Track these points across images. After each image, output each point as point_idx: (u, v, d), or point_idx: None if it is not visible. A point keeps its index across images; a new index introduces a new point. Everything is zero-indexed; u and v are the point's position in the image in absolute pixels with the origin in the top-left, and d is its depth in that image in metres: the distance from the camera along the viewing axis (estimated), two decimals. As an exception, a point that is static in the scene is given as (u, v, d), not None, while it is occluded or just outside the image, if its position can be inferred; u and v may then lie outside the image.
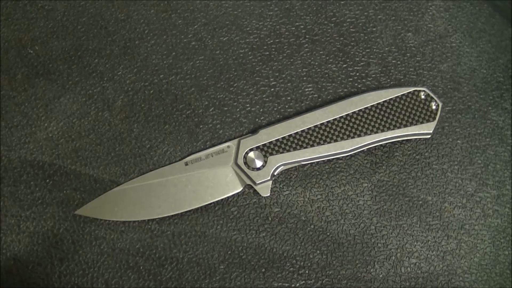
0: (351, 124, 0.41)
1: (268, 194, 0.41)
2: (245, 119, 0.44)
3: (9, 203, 0.41)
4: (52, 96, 0.44)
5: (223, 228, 0.41)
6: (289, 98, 0.45)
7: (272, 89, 0.45)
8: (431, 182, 0.43)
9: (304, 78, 0.45)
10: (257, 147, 0.41)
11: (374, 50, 0.46)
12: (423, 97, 0.42)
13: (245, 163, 0.41)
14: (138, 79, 0.45)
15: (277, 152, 0.41)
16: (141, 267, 0.40)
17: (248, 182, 0.41)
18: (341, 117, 0.41)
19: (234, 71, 0.45)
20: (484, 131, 0.45)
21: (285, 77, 0.45)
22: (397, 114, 0.42)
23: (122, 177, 0.42)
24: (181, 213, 0.41)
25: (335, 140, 0.41)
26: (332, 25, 0.47)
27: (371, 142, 0.41)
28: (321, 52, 0.46)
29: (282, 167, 0.41)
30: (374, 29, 0.47)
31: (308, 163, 0.43)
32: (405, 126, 0.42)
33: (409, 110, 0.42)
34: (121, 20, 0.46)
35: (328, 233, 0.42)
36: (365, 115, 0.41)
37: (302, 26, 0.47)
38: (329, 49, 0.46)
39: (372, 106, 0.41)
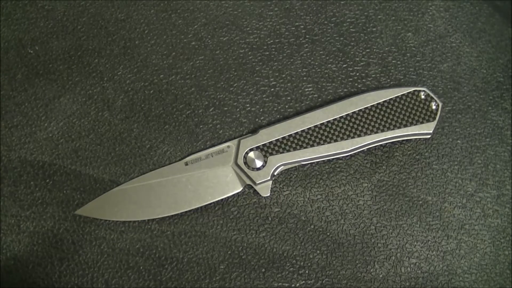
0: (351, 124, 0.41)
1: (268, 194, 0.41)
2: (245, 119, 0.44)
3: (9, 203, 0.41)
4: (52, 96, 0.44)
5: (223, 228, 0.41)
6: (289, 98, 0.45)
7: (272, 89, 0.45)
8: (431, 182, 0.43)
9: (304, 78, 0.45)
10: (257, 147, 0.41)
11: (374, 50, 0.46)
12: (423, 97, 0.42)
13: (245, 163, 0.41)
14: (138, 79, 0.45)
15: (277, 152, 0.41)
16: (141, 267, 0.40)
17: (248, 182, 0.41)
18: (341, 117, 0.41)
19: (234, 71, 0.45)
20: (484, 131, 0.45)
21: (285, 77, 0.45)
22: (397, 114, 0.42)
23: (122, 177, 0.42)
24: (181, 213, 0.41)
25: (335, 140, 0.41)
26: (332, 25, 0.47)
27: (371, 142, 0.41)
28: (321, 52, 0.46)
29: (282, 167, 0.41)
30: (374, 29, 0.47)
31: (308, 163, 0.43)
32: (405, 126, 0.42)
33: (409, 110, 0.42)
34: (121, 20, 0.46)
35: (328, 233, 0.42)
36: (365, 115, 0.41)
37: (302, 26, 0.47)
38: (329, 49, 0.46)
39: (372, 106, 0.41)
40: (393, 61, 0.46)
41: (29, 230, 0.41)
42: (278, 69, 0.45)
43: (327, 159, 0.43)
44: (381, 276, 0.41)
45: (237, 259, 0.41)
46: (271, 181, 0.41)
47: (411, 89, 0.42)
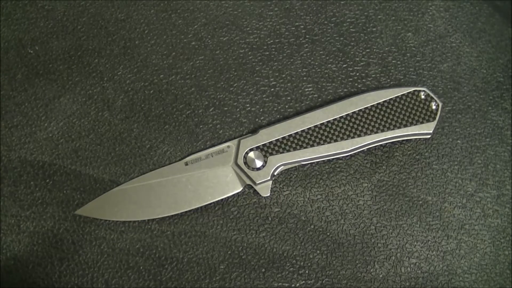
0: (351, 124, 0.41)
1: (268, 194, 0.41)
2: (245, 119, 0.44)
3: (9, 203, 0.41)
4: (52, 96, 0.44)
5: (223, 228, 0.41)
6: (289, 98, 0.45)
7: (272, 89, 0.45)
8: (431, 182, 0.43)
9: (304, 78, 0.45)
10: (257, 147, 0.41)
11: (374, 50, 0.46)
12: (423, 97, 0.42)
13: (245, 163, 0.41)
14: (138, 79, 0.45)
15: (277, 152, 0.41)
16: (141, 267, 0.40)
17: (248, 182, 0.41)
18: (341, 117, 0.41)
19: (234, 71, 0.45)
20: (484, 131, 0.45)
21: (285, 77, 0.45)
22: (397, 114, 0.42)
23: (122, 177, 0.42)
24: (181, 213, 0.41)
25: (335, 140, 0.41)
26: (332, 25, 0.47)
27: (371, 142, 0.41)
28: (321, 52, 0.46)
29: (282, 167, 0.41)
30: (374, 29, 0.47)
31: (308, 163, 0.43)
32: (405, 126, 0.42)
33: (409, 110, 0.42)
34: (121, 20, 0.46)
35: (328, 233, 0.42)
36: (365, 115, 0.41)
37: (302, 26, 0.47)
38: (329, 49, 0.46)
39: (372, 106, 0.41)
40: (393, 61, 0.46)
41: (29, 230, 0.41)
42: (278, 69, 0.45)
43: (327, 159, 0.43)
44: (381, 276, 0.41)
45: (237, 259, 0.41)
46: (271, 181, 0.41)
47: (411, 89, 0.42)
